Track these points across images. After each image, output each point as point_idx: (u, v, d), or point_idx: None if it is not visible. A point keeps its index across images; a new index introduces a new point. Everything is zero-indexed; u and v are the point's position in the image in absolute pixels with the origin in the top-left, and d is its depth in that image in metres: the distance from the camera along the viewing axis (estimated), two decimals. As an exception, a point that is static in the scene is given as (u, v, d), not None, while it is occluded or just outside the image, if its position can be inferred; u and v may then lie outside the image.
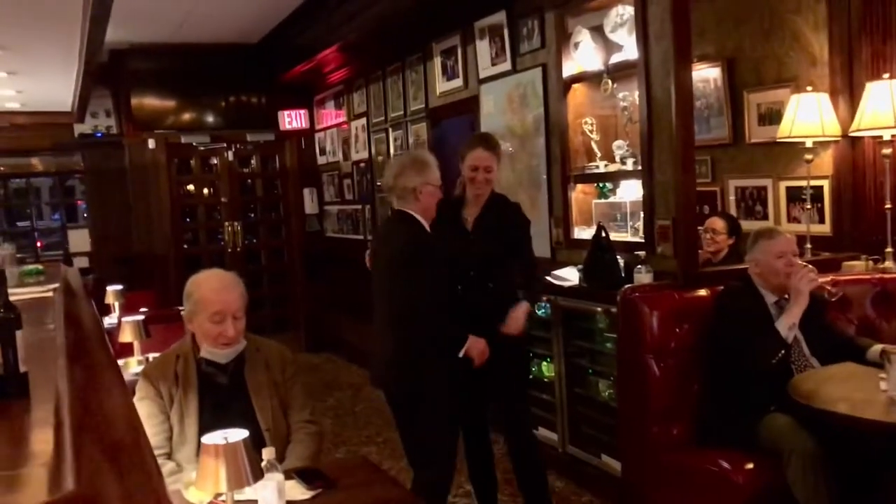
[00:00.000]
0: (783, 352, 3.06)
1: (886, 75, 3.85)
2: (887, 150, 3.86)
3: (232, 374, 2.69)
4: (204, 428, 2.41)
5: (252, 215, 9.07)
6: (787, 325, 3.10)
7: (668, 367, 3.46)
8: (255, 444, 2.06)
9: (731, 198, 4.91)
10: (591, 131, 4.35)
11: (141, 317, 4.29)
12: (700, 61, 4.93)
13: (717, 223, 4.31)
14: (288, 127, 8.44)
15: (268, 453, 2.12)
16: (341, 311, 8.09)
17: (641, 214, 3.95)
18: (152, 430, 2.53)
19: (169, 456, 2.58)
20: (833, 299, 3.30)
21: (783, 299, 3.30)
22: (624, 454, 3.74)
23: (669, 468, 3.34)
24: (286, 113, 8.38)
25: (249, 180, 9.09)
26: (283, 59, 7.79)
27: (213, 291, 2.63)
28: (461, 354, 3.30)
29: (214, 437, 2.00)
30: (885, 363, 2.78)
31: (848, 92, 4.10)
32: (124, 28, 6.74)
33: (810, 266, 3.31)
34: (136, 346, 4.12)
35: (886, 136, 3.84)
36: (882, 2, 3.96)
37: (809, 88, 4.11)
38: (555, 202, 4.59)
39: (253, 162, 9.00)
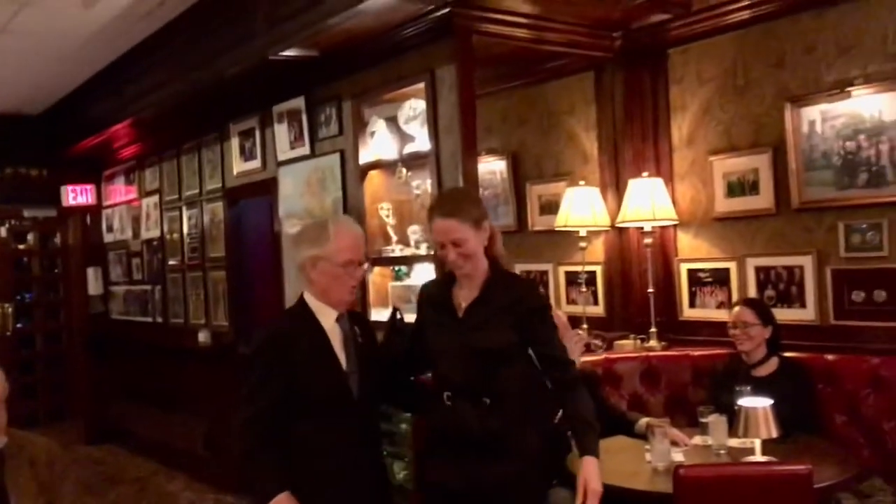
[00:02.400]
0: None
1: (646, 173, 4.34)
2: (649, 240, 4.32)
3: (-9, 476, 2.43)
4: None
5: (27, 296, 8.35)
6: None
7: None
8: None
9: (518, 281, 5.24)
10: (387, 216, 4.48)
11: None
12: (488, 154, 5.30)
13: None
14: (72, 202, 7.94)
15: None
16: (128, 398, 7.57)
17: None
18: None
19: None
20: (599, 351, 3.58)
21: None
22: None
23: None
24: (70, 188, 7.89)
25: (25, 258, 8.40)
26: (70, 132, 7.38)
27: None
28: None
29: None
30: (650, 436, 3.05)
31: (615, 186, 4.56)
32: None
33: (581, 334, 3.61)
34: None
35: (647, 227, 4.30)
36: (640, 109, 4.49)
37: (582, 183, 4.53)
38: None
39: (30, 238, 8.34)
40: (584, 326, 4.46)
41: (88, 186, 8.01)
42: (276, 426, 2.45)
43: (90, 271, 8.14)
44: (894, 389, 3.41)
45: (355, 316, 2.71)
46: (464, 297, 2.57)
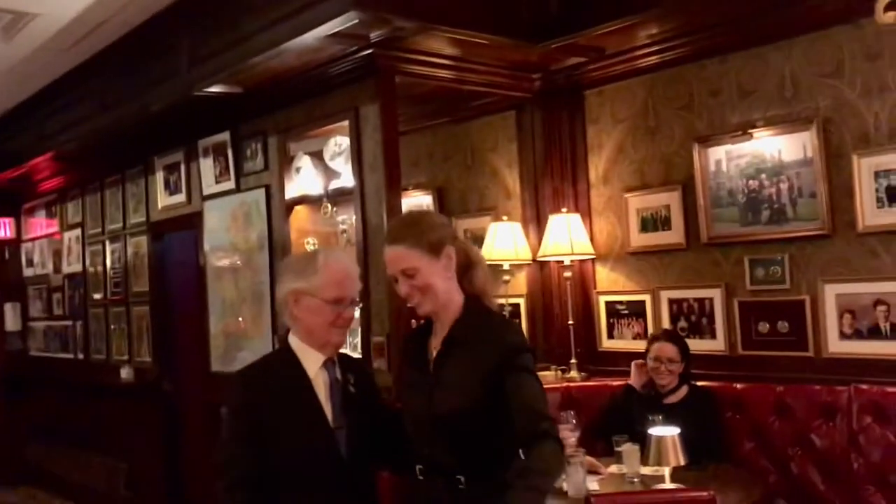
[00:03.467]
0: None
1: (564, 209, 4.48)
2: (568, 273, 4.45)
3: None
4: None
5: (-60, 332, 8.03)
6: None
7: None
8: None
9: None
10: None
11: None
12: (415, 189, 5.39)
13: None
14: (-10, 236, 7.72)
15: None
16: (48, 438, 7.32)
17: (359, 331, 4.13)
18: None
19: None
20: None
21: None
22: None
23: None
24: (-12, 221, 7.68)
25: (-62, 293, 8.08)
26: (-12, 164, 7.19)
27: None
28: None
29: None
30: (566, 466, 3.14)
31: (536, 222, 4.69)
32: None
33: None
34: None
35: (566, 261, 4.44)
36: (559, 147, 4.65)
37: (505, 218, 4.65)
38: (278, 319, 4.65)
39: (-56, 272, 8.05)
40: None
41: (7, 220, 7.81)
42: (264, 492, 2.07)
43: (8, 307, 7.89)
44: (798, 417, 3.58)
45: (347, 361, 2.30)
46: (435, 345, 2.14)
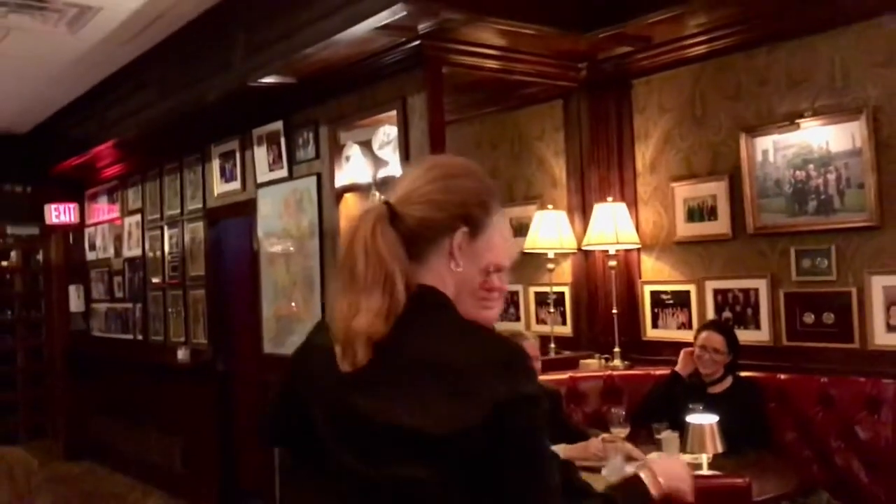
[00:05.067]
0: None
1: (610, 198, 4.51)
2: (613, 263, 4.48)
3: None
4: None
5: (9, 313, 8.41)
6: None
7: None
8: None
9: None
10: (361, 238, 4.63)
11: None
12: (462, 177, 5.45)
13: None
14: (55, 221, 8.03)
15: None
16: (109, 415, 7.64)
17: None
18: None
19: None
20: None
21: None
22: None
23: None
24: (54, 206, 7.99)
25: (8, 275, 8.47)
26: (54, 152, 7.50)
27: None
28: None
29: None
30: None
31: (581, 211, 4.72)
32: None
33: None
34: None
35: (612, 250, 4.46)
36: (606, 136, 4.67)
37: (550, 207, 4.69)
38: (328, 303, 4.78)
39: (13, 256, 8.42)
40: (552, 346, 4.61)
41: (72, 205, 8.10)
42: None
43: (72, 289, 8.21)
44: (842, 408, 3.57)
45: None
46: None
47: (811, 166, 3.77)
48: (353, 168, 4.62)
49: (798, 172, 3.81)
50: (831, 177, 3.70)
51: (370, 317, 1.27)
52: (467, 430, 1.21)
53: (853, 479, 3.48)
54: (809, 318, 3.83)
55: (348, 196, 4.68)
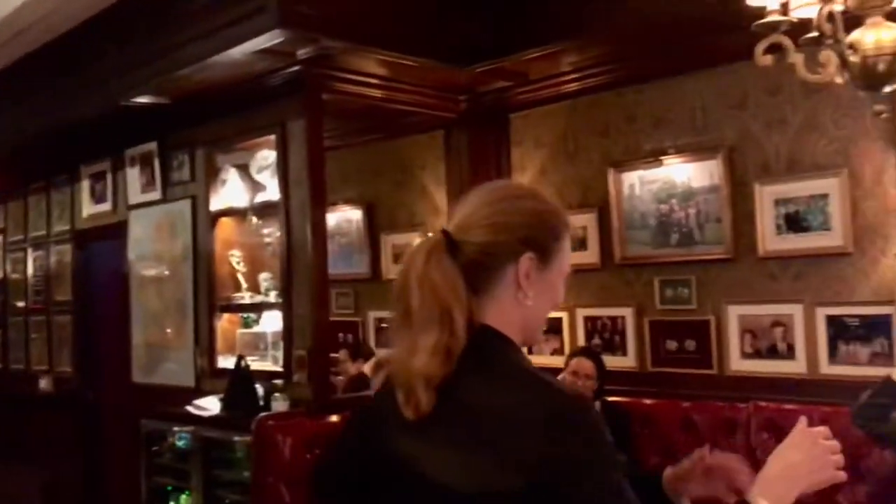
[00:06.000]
0: None
1: (488, 228, 4.59)
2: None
3: None
4: None
5: None
6: None
7: (302, 495, 3.63)
8: None
9: (371, 328, 5.38)
10: (238, 263, 4.53)
11: None
12: (345, 204, 5.46)
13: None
14: None
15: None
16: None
17: (281, 344, 4.17)
18: None
19: None
20: None
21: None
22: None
23: None
24: None
25: None
26: None
27: None
28: None
29: None
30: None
31: (461, 239, 4.78)
32: None
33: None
34: None
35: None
36: (485, 168, 4.77)
37: (430, 234, 4.72)
38: (200, 331, 4.64)
39: None
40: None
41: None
42: None
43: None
44: (702, 432, 3.74)
45: None
46: None
47: (674, 201, 3.98)
48: (229, 192, 4.53)
49: (662, 206, 4.01)
50: (692, 211, 3.91)
51: (426, 357, 1.15)
52: (503, 492, 1.08)
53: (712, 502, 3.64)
54: (672, 344, 4.01)
55: (224, 220, 4.59)
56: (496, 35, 4.20)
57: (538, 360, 4.52)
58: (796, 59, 2.10)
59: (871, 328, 3.35)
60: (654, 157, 4.04)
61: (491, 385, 1.16)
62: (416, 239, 4.79)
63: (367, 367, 4.81)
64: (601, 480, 1.08)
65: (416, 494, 1.18)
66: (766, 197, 3.66)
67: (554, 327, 4.48)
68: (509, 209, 1.25)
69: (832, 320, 3.48)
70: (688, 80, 3.97)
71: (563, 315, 4.42)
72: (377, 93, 4.33)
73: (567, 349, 4.35)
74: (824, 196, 3.47)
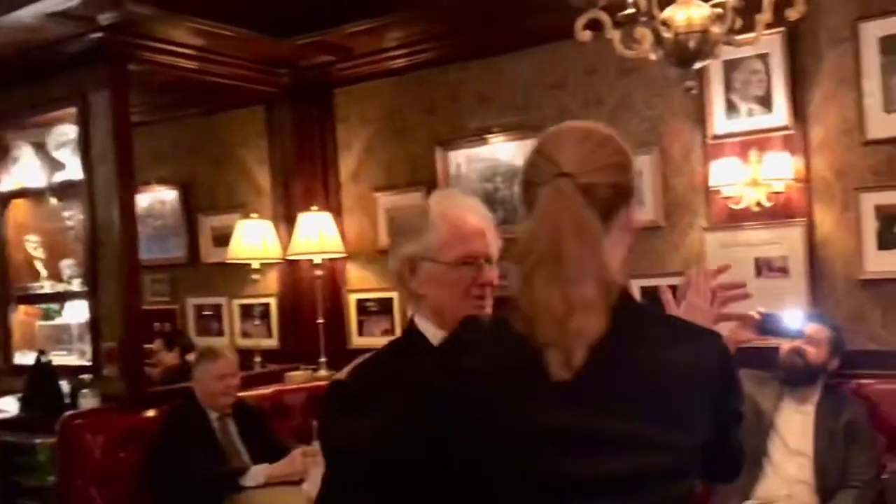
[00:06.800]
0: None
1: (315, 207, 4.45)
2: (319, 272, 4.43)
3: None
4: None
5: None
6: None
7: (116, 496, 3.37)
8: None
9: (191, 316, 5.09)
10: (35, 249, 4.13)
11: None
12: (158, 184, 5.11)
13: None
14: None
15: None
16: None
17: (89, 336, 3.84)
18: None
19: None
20: None
21: (226, 416, 3.48)
22: None
23: None
24: None
25: None
26: None
27: None
28: None
29: None
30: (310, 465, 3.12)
31: (286, 220, 4.61)
32: None
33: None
34: None
35: (317, 259, 4.41)
36: (310, 145, 4.62)
37: (254, 215, 4.53)
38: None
39: None
40: (257, 359, 4.45)
41: None
42: None
43: None
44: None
45: None
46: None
47: (499, 179, 4.02)
48: (22, 171, 4.10)
49: (487, 185, 4.05)
50: (517, 189, 3.96)
51: (590, 314, 1.07)
52: (690, 445, 1.13)
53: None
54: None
55: (18, 202, 4.16)
56: (318, 7, 4.05)
57: (367, 341, 4.48)
58: (613, 35, 2.15)
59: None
60: (479, 135, 4.06)
61: (653, 338, 1.14)
62: (237, 220, 4.56)
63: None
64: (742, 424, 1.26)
65: (592, 457, 1.10)
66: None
67: (385, 307, 4.43)
68: (621, 149, 1.21)
69: (645, 291, 3.65)
70: (509, 58, 4.00)
71: (395, 294, 4.38)
72: (191, 64, 4.06)
73: (398, 330, 4.31)
74: (639, 173, 3.61)
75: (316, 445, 3.29)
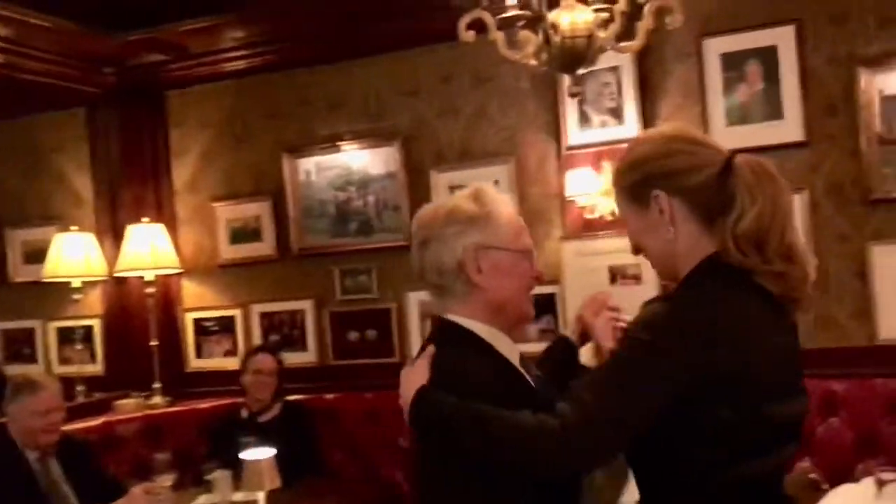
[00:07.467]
0: None
1: (146, 219, 4.07)
2: (151, 290, 4.05)
3: None
4: None
5: None
6: None
7: None
8: None
9: (-3, 340, 4.52)
10: None
11: None
12: (-48, 194, 4.50)
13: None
14: None
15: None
16: None
17: None
18: None
19: None
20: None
21: (48, 456, 3.07)
22: None
23: None
24: None
25: None
26: None
27: None
28: None
29: None
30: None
31: (113, 232, 4.20)
32: None
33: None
34: None
35: (149, 276, 4.03)
36: (139, 151, 4.24)
37: (74, 228, 4.08)
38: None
39: None
40: (80, 388, 4.00)
41: None
42: None
43: None
44: (389, 422, 3.67)
45: None
46: None
47: (352, 188, 3.87)
48: None
49: (340, 194, 3.88)
50: (371, 199, 3.84)
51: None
52: None
53: (398, 490, 3.62)
54: (354, 335, 3.91)
55: None
56: (149, 1, 3.72)
57: (207, 363, 4.17)
58: (497, 36, 2.07)
59: (539, 306, 3.54)
60: (330, 142, 3.89)
61: None
62: (53, 234, 4.09)
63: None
64: None
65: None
66: (442, 184, 3.70)
67: (226, 326, 4.14)
68: None
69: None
70: (360, 64, 3.88)
71: (237, 312, 4.10)
72: (-1, 58, 3.59)
73: (241, 350, 4.04)
74: (496, 183, 3.59)
75: (161, 481, 2.98)
